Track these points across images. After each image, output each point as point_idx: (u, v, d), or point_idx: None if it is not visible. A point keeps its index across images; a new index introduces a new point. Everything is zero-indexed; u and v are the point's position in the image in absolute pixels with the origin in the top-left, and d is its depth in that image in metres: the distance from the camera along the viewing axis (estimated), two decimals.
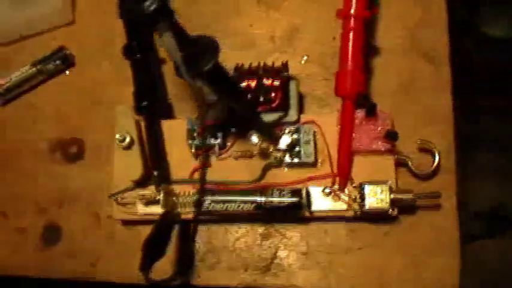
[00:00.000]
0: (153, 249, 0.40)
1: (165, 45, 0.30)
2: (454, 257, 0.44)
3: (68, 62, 0.52)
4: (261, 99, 0.43)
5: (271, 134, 0.43)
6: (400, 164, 0.45)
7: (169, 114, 0.49)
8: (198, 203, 0.43)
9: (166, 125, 0.47)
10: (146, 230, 0.47)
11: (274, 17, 0.52)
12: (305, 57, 0.50)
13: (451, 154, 0.46)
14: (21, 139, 0.52)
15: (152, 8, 0.29)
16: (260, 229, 0.47)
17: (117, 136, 0.44)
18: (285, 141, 0.43)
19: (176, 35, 0.30)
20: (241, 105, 0.41)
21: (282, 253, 0.46)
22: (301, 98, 0.48)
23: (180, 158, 0.46)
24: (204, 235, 0.47)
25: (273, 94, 0.43)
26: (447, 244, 0.44)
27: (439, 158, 0.43)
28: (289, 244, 0.46)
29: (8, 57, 0.54)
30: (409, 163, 0.44)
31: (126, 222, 0.48)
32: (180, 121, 0.47)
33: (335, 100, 0.46)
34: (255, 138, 0.43)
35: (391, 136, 0.42)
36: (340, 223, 0.46)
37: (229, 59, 0.46)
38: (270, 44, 0.51)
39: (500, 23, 1.04)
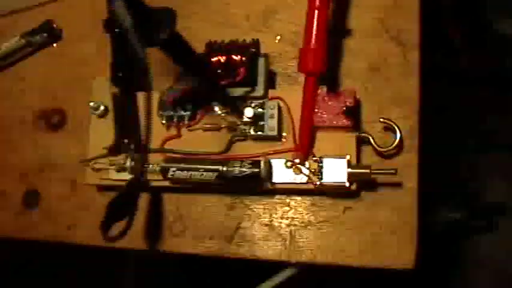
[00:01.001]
0: (115, 211, 0.42)
1: (116, 13, 0.31)
2: (412, 235, 0.45)
3: (54, 35, 0.54)
4: (227, 73, 0.44)
5: (234, 106, 0.45)
6: (364, 142, 0.46)
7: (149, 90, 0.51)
8: (164, 170, 0.45)
9: (140, 97, 0.49)
10: None
11: None
12: (278, 37, 0.51)
13: (415, 134, 0.47)
14: (7, 108, 0.55)
15: None
16: (226, 200, 0.49)
17: (91, 104, 0.46)
18: (249, 114, 0.44)
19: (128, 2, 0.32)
20: (203, 77, 0.43)
21: (245, 224, 0.48)
22: (272, 75, 0.49)
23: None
24: (172, 204, 0.49)
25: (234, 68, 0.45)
26: (406, 222, 0.45)
27: (401, 135, 0.44)
28: (253, 215, 0.48)
29: None
30: (371, 139, 0.45)
31: (100, 189, 0.50)
32: (153, 94, 0.49)
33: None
34: (217, 109, 0.45)
35: (350, 112, 0.43)
36: (303, 197, 0.47)
37: (205, 36, 0.48)
38: (245, 22, 0.52)
39: None
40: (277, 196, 0.48)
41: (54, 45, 0.55)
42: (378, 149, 0.45)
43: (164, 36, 0.34)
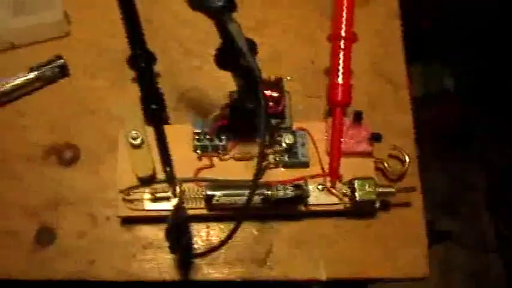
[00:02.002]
0: (175, 234, 0.42)
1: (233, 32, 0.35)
2: (423, 247, 0.52)
3: (64, 70, 0.53)
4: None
5: (272, 133, 0.49)
6: (376, 168, 0.52)
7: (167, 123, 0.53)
8: (208, 197, 0.46)
9: (168, 130, 0.50)
10: (143, 231, 0.50)
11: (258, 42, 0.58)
12: (288, 78, 0.57)
13: (414, 160, 0.54)
14: (11, 144, 0.52)
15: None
16: (256, 226, 0.51)
17: (133, 133, 0.46)
18: (289, 140, 0.48)
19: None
20: (259, 95, 0.46)
21: (276, 247, 0.51)
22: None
23: (183, 160, 0.49)
24: (202, 232, 0.50)
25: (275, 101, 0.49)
26: (416, 236, 0.52)
27: (409, 159, 0.51)
28: (282, 239, 0.51)
29: (1, 65, 0.55)
30: (385, 164, 0.51)
31: (125, 222, 0.50)
32: (182, 126, 0.51)
33: (315, 114, 0.54)
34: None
35: (375, 138, 0.49)
36: (326, 219, 0.52)
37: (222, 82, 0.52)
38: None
39: None
40: (303, 220, 0.51)
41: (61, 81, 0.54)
42: (389, 173, 0.52)
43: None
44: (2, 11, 0.53)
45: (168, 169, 0.47)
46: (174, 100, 0.55)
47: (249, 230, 0.51)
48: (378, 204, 0.50)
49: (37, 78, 0.52)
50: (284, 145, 0.49)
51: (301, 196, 0.47)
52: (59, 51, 0.55)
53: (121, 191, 0.47)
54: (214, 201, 0.46)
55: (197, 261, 0.49)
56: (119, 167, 0.49)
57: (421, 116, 0.62)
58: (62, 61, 0.53)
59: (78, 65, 0.55)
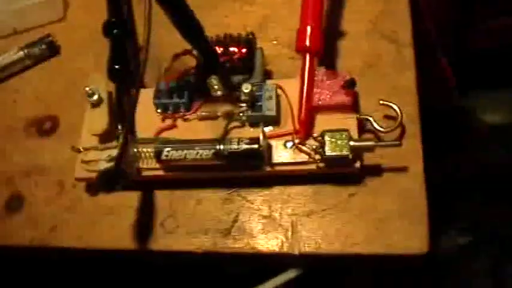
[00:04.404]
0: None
1: None
2: (422, 221, 0.42)
3: (53, 48, 0.55)
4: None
5: (231, 85, 0.44)
6: (364, 130, 0.45)
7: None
8: (158, 152, 0.43)
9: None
10: (108, 199, 0.47)
11: (247, 10, 0.55)
12: (274, 42, 0.52)
13: (416, 120, 0.46)
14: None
15: None
16: (222, 193, 0.46)
17: (87, 89, 0.45)
18: (246, 89, 0.43)
19: None
20: (204, 46, 0.43)
21: (243, 217, 0.45)
22: (269, 73, 0.50)
23: (147, 123, 0.47)
24: (165, 200, 0.46)
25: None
26: (415, 206, 0.43)
27: (401, 112, 0.43)
28: (251, 208, 0.45)
29: (1, 49, 0.57)
30: (372, 120, 0.44)
31: (89, 188, 0.48)
32: (148, 90, 0.48)
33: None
34: (215, 83, 0.44)
35: (349, 84, 0.42)
36: (303, 186, 0.45)
37: None
38: (243, 31, 0.53)
39: None
40: (276, 187, 0.45)
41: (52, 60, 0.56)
42: (380, 129, 0.44)
43: None
44: None
45: (120, 126, 0.45)
46: (157, 72, 0.53)
47: (213, 197, 0.46)
48: (357, 164, 0.42)
49: (27, 56, 0.54)
50: (243, 96, 0.44)
51: (258, 150, 0.41)
52: (55, 34, 0.57)
53: (74, 149, 0.45)
54: (163, 156, 0.43)
55: (156, 230, 0.45)
56: (84, 126, 0.47)
57: None
58: (50, 39, 0.55)
59: (71, 45, 0.57)
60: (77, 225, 0.47)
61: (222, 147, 0.42)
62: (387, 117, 0.46)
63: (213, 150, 0.42)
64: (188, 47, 0.49)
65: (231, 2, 0.56)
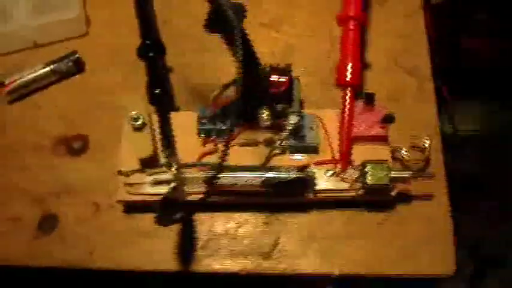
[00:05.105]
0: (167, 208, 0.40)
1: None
2: (448, 245, 0.46)
3: (79, 65, 0.55)
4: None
5: (278, 114, 0.46)
6: (394, 158, 0.48)
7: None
8: (209, 179, 0.44)
9: (174, 117, 0.49)
10: (145, 221, 0.48)
11: (274, 37, 0.58)
12: (302, 69, 0.55)
13: (439, 151, 0.50)
14: (22, 135, 0.53)
15: None
16: (262, 217, 0.48)
17: (132, 113, 0.46)
18: (293, 121, 0.46)
19: None
20: (257, 74, 0.44)
21: (283, 239, 0.47)
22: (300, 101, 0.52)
23: (188, 146, 0.48)
24: (206, 223, 0.48)
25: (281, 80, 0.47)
26: (442, 231, 0.47)
27: (430, 143, 0.47)
28: (290, 231, 0.47)
29: (21, 63, 0.56)
30: (403, 152, 0.47)
31: (128, 210, 0.48)
32: (189, 113, 0.50)
33: (329, 105, 0.51)
34: (264, 115, 0.46)
35: (387, 119, 0.46)
36: (339, 211, 0.48)
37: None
38: (271, 58, 0.55)
39: None
40: (313, 211, 0.48)
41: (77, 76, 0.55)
42: (409, 159, 0.47)
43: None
44: (24, 11, 0.56)
45: (167, 151, 0.45)
46: (185, 94, 0.54)
47: (254, 221, 0.48)
48: (393, 193, 0.45)
49: (52, 72, 0.54)
50: (289, 126, 0.46)
51: (306, 179, 0.44)
52: (77, 49, 0.56)
53: (120, 173, 0.46)
54: (214, 181, 0.44)
55: (198, 252, 0.47)
56: (121, 151, 0.48)
57: None
58: (76, 56, 0.54)
59: (95, 62, 0.56)
60: (112, 247, 0.47)
61: (271, 175, 0.44)
62: (413, 147, 0.50)
63: (262, 179, 0.44)
64: (221, 74, 0.51)
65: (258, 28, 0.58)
